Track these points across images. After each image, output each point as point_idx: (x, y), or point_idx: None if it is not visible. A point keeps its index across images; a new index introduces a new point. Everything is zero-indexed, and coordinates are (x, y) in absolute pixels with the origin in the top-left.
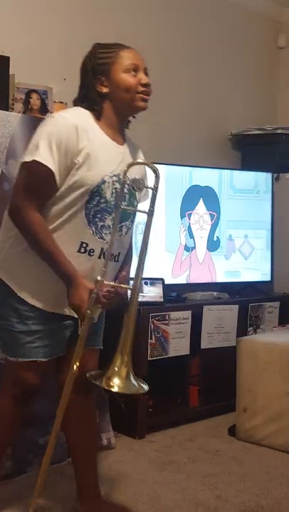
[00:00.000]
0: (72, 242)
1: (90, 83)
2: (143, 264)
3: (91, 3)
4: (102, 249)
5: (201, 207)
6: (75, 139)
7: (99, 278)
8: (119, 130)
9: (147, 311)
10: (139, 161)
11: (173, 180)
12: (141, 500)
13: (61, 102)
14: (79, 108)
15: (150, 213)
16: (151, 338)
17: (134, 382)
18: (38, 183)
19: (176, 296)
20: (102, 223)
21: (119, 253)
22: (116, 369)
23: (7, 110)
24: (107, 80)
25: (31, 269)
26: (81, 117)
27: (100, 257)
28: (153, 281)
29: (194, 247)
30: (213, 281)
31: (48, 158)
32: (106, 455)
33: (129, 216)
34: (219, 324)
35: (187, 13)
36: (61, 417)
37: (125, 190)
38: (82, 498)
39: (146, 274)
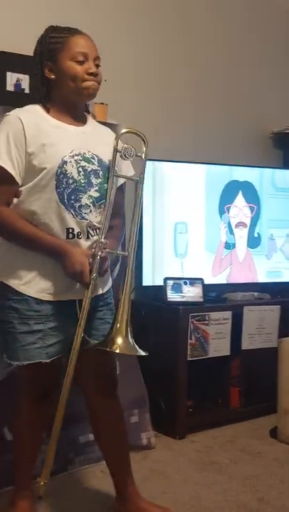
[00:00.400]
0: (59, 232)
1: (38, 68)
2: (137, 230)
3: (124, 3)
4: (88, 228)
5: (240, 199)
6: (21, 129)
7: (101, 240)
8: (74, 114)
9: (187, 311)
10: (129, 129)
11: (213, 179)
12: (181, 500)
13: (102, 103)
14: (29, 105)
15: (140, 181)
16: (191, 339)
17: (131, 342)
18: None
19: (216, 296)
20: (78, 204)
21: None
22: (118, 325)
23: None
24: (54, 66)
25: (28, 260)
26: (28, 110)
27: (88, 238)
28: (192, 281)
29: (234, 245)
30: (254, 281)
31: None
32: (146, 455)
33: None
34: (260, 325)
35: (228, 12)
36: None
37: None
38: (121, 498)
39: (185, 274)
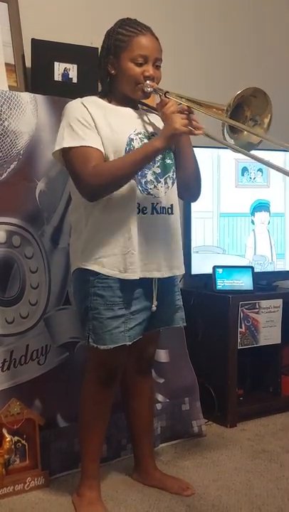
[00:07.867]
0: (132, 206)
1: (103, 61)
2: None
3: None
4: (153, 204)
5: None
6: (86, 110)
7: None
8: (132, 106)
9: (237, 300)
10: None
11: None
12: (234, 488)
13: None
14: (87, 97)
15: None
16: (241, 327)
17: None
18: (80, 161)
19: (266, 284)
20: (144, 179)
21: (171, 205)
22: None
23: None
24: (116, 63)
25: (106, 241)
26: (87, 98)
27: (152, 213)
28: (242, 269)
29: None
30: None
31: (75, 139)
32: (197, 442)
33: (170, 168)
34: None
35: None
36: None
37: None
38: (139, 468)
39: (235, 262)
